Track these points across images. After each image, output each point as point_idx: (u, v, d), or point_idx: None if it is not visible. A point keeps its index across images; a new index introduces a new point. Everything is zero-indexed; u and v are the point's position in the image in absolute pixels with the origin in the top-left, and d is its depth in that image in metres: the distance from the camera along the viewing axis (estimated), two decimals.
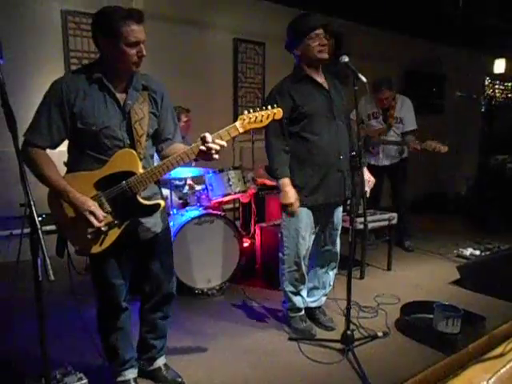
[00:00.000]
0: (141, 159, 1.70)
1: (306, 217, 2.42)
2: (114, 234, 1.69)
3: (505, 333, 2.60)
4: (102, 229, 1.66)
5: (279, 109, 1.71)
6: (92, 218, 1.61)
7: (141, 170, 1.67)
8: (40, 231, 1.29)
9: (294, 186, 2.37)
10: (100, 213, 1.63)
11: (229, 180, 3.21)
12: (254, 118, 1.66)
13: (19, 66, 3.75)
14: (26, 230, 1.35)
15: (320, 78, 2.42)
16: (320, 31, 2.31)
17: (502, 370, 2.27)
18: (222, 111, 4.99)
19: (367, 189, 2.51)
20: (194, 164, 3.55)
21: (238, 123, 1.65)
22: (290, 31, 2.41)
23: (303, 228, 2.42)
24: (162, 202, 1.75)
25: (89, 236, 1.66)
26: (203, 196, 3.35)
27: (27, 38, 3.79)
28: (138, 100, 1.73)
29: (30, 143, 1.63)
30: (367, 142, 4.13)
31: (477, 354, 2.39)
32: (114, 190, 1.66)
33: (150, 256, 1.91)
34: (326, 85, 2.42)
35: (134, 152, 1.69)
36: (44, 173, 1.63)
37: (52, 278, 1.24)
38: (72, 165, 1.74)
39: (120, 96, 1.70)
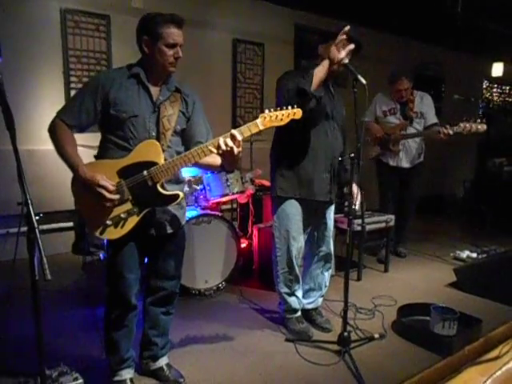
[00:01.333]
0: (163, 151, 1.77)
1: (295, 216, 2.45)
2: (133, 221, 1.76)
3: (501, 335, 2.61)
4: (122, 215, 1.73)
5: (299, 109, 1.76)
6: (102, 191, 1.68)
7: (162, 161, 1.74)
8: (37, 230, 1.30)
9: (283, 175, 2.42)
10: (109, 183, 1.70)
11: (227, 180, 3.21)
12: (274, 117, 1.72)
13: (17, 65, 3.73)
14: (23, 229, 1.35)
15: (330, 82, 2.44)
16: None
17: (497, 373, 2.28)
18: (220, 111, 4.99)
19: (357, 202, 2.51)
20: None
21: (258, 120, 1.71)
22: (325, 32, 2.40)
23: (293, 228, 2.45)
24: (181, 193, 1.80)
25: (108, 222, 1.73)
26: (201, 196, 3.35)
27: (26, 37, 3.78)
28: (169, 98, 1.84)
29: (60, 118, 1.75)
30: (385, 141, 3.87)
31: (473, 356, 2.40)
32: (136, 178, 1.74)
33: (164, 252, 1.95)
34: (331, 89, 2.47)
35: (158, 143, 1.76)
36: (64, 147, 1.73)
37: (49, 277, 1.24)
38: (99, 153, 1.85)
39: (154, 91, 1.81)
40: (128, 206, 1.75)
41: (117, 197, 1.72)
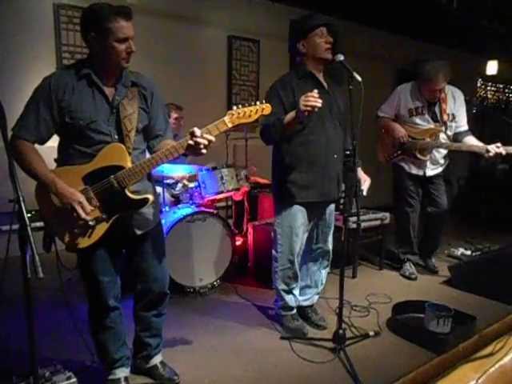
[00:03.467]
0: (129, 153, 1.71)
1: (299, 214, 2.42)
2: (102, 228, 1.70)
3: (494, 332, 2.62)
4: (90, 223, 1.66)
5: (268, 104, 1.75)
6: (80, 210, 1.61)
7: (129, 164, 1.68)
8: (29, 228, 1.28)
9: (288, 181, 2.38)
10: (88, 206, 1.64)
11: (222, 178, 3.19)
12: (242, 113, 1.68)
13: (9, 61, 3.69)
14: (15, 227, 1.33)
15: (321, 78, 2.42)
16: (324, 29, 2.29)
17: (491, 370, 2.30)
18: (215, 109, 4.97)
19: (363, 188, 2.48)
20: (187, 161, 3.54)
21: (226, 118, 1.68)
22: (295, 28, 2.41)
23: (297, 225, 2.43)
24: (150, 197, 1.74)
25: (76, 230, 1.67)
26: (196, 194, 3.33)
27: (18, 32, 3.73)
28: (127, 96, 1.75)
29: (18, 137, 1.65)
30: (409, 146, 3.29)
31: (467, 353, 2.41)
32: (102, 184, 1.67)
33: (143, 253, 1.89)
34: (326, 85, 2.43)
35: (123, 146, 1.69)
36: (31, 166, 1.64)
37: (41, 275, 1.23)
38: (61, 160, 1.75)
39: (109, 91, 1.72)
40: (96, 213, 1.67)
41: (91, 218, 1.65)
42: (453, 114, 3.27)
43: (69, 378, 1.77)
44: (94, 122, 1.67)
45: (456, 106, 3.29)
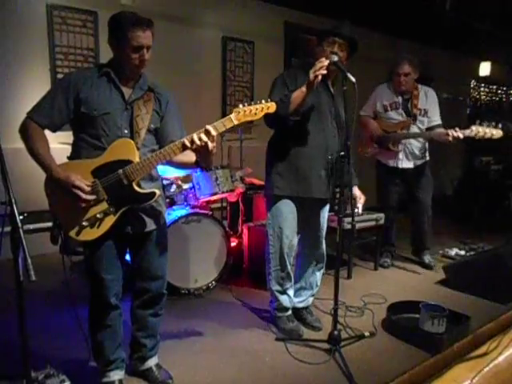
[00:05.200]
0: (138, 149, 1.75)
1: (289, 214, 2.44)
2: (110, 220, 1.73)
3: (489, 332, 2.64)
4: (98, 216, 1.71)
5: (273, 103, 1.78)
6: (78, 191, 1.66)
7: (137, 159, 1.73)
8: (21, 230, 1.28)
9: (277, 173, 2.41)
10: (84, 185, 1.67)
11: (216, 179, 3.19)
12: (248, 111, 1.73)
13: (2, 62, 3.66)
14: (7, 229, 1.32)
15: (329, 82, 2.43)
16: (340, 41, 2.29)
17: (485, 369, 2.31)
18: (210, 110, 4.96)
19: (359, 205, 2.49)
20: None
21: (232, 115, 1.72)
22: (322, 30, 2.40)
23: (286, 226, 2.44)
24: (157, 191, 1.78)
25: (84, 222, 1.71)
26: (190, 195, 3.32)
27: (11, 33, 3.70)
28: (142, 97, 1.83)
29: (31, 118, 1.74)
30: (384, 140, 3.55)
31: (461, 353, 2.42)
32: (111, 177, 1.72)
33: (146, 252, 1.92)
34: (332, 90, 2.44)
35: (132, 141, 1.74)
36: (35, 147, 1.71)
37: (33, 278, 1.22)
38: (73, 154, 1.82)
39: (126, 90, 1.81)
40: (104, 205, 1.72)
41: (92, 197, 1.69)
42: (425, 109, 3.51)
43: (62, 381, 1.75)
44: (107, 114, 1.74)
45: (428, 102, 3.53)
